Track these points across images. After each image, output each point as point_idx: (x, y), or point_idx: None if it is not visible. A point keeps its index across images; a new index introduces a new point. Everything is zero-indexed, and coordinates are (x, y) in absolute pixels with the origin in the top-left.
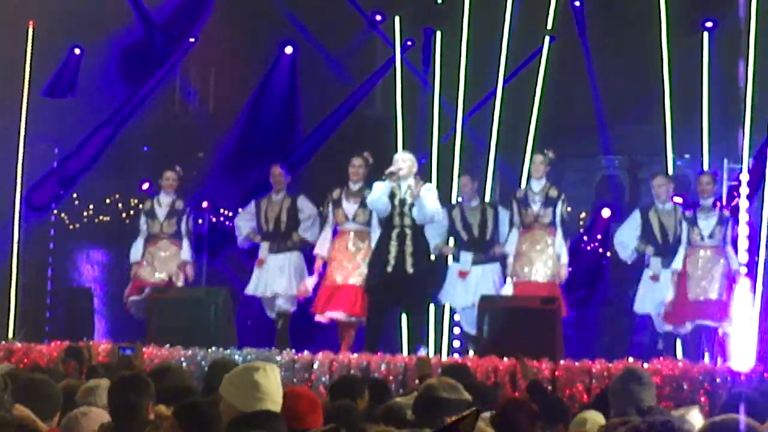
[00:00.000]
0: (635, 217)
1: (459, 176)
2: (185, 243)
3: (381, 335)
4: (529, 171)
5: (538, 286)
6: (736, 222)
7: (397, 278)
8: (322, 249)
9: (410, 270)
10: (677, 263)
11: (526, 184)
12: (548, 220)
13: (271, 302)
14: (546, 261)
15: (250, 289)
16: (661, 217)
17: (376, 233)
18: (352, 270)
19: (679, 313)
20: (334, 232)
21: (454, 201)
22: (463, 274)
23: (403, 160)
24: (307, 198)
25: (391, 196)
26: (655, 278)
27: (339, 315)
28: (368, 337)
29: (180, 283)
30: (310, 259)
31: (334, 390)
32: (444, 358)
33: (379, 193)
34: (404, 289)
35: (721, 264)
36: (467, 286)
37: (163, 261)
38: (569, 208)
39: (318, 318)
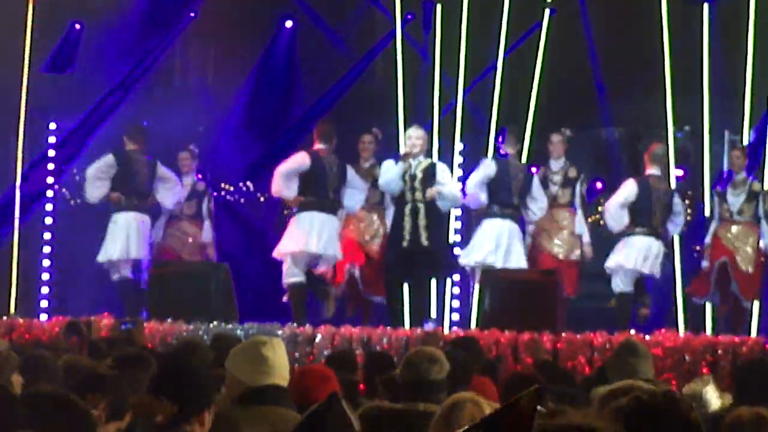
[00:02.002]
0: None
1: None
2: (206, 224)
3: (403, 311)
4: (528, 150)
5: (557, 260)
6: None
7: (413, 252)
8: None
9: (425, 243)
10: (707, 238)
11: (545, 164)
12: (566, 201)
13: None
14: (563, 239)
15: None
16: None
17: (390, 210)
18: (365, 237)
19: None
20: None
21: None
22: None
23: (417, 138)
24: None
25: (402, 173)
26: None
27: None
28: (392, 316)
29: None
30: None
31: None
32: (446, 331)
33: (391, 175)
34: (420, 261)
35: (753, 238)
36: None
37: (183, 242)
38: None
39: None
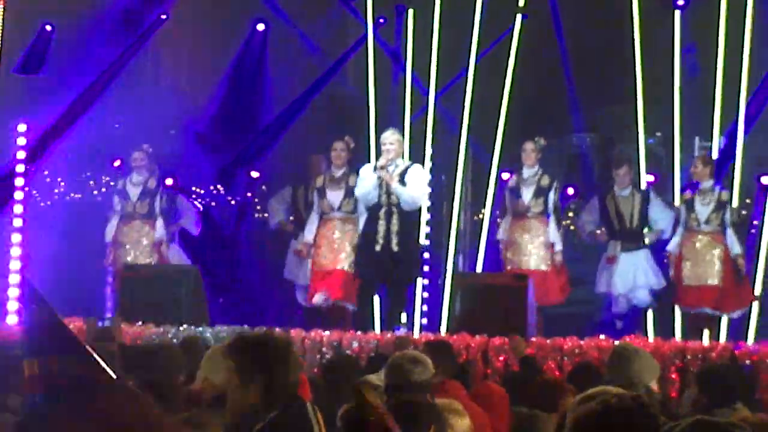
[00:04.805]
0: (594, 203)
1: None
2: (159, 222)
3: (373, 317)
4: (500, 155)
5: (536, 274)
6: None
7: (385, 257)
8: (309, 235)
9: (395, 249)
10: (672, 246)
11: (518, 172)
12: (539, 210)
13: None
14: (536, 250)
15: None
16: (618, 203)
17: (363, 218)
18: (338, 254)
19: (675, 298)
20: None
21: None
22: (611, 260)
23: (391, 143)
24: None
25: (378, 182)
26: (611, 260)
27: (320, 299)
28: (362, 320)
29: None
30: None
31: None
32: (416, 335)
33: (368, 186)
34: (391, 267)
35: (719, 249)
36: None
37: (137, 241)
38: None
39: (310, 301)
